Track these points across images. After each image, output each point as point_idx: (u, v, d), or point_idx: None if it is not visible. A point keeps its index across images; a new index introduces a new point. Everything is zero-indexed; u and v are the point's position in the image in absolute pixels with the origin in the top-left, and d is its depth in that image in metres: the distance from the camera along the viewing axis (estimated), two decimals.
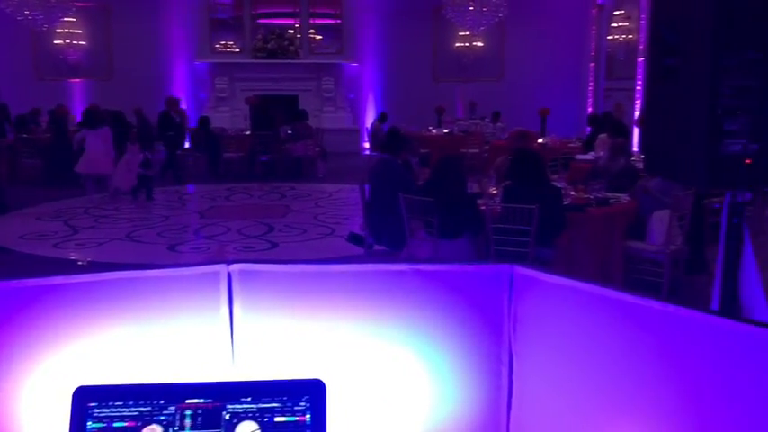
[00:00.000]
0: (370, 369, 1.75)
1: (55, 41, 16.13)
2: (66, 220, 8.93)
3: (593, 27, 16.68)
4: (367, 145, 15.41)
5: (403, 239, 5.30)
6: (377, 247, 5.88)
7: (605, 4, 16.19)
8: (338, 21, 17.14)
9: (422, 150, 10.63)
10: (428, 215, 4.95)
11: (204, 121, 13.01)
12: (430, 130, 14.12)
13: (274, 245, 7.58)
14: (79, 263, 7.10)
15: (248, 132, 13.22)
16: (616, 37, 15.37)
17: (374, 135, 14.15)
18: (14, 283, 1.58)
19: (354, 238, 6.33)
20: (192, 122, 14.43)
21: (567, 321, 1.68)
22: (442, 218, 4.88)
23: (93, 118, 10.56)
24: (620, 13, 15.31)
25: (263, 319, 1.73)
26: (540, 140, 11.27)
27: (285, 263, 1.77)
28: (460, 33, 16.45)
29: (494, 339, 1.79)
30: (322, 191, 11.20)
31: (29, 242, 7.79)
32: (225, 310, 1.71)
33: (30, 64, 16.40)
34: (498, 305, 1.78)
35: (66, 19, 14.46)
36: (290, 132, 12.99)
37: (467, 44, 16.97)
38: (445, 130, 14.15)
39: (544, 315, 1.73)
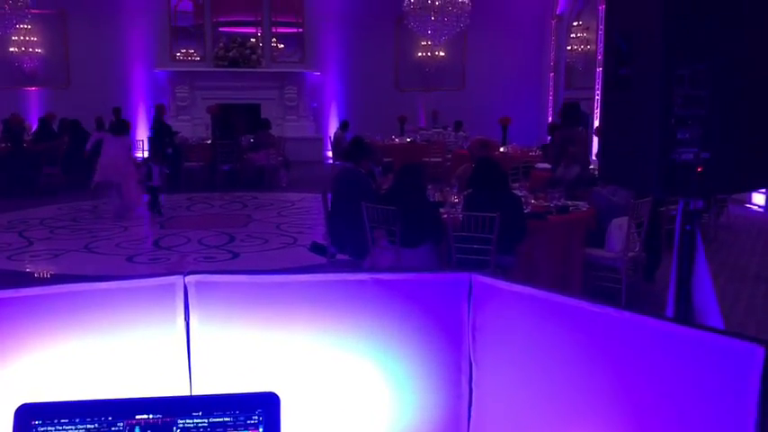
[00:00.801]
0: (329, 380, 1.73)
1: (10, 49, 15.78)
2: (21, 231, 8.71)
3: (553, 38, 16.97)
4: (330, 154, 15.39)
5: (366, 248, 5.29)
6: (339, 257, 5.86)
7: (564, 14, 16.48)
8: (300, 29, 17.13)
9: (385, 159, 10.66)
10: (390, 224, 4.96)
11: None
12: (393, 139, 14.18)
13: (236, 255, 7.50)
14: (35, 275, 6.93)
15: (209, 141, 13.08)
16: (575, 47, 15.66)
17: (337, 144, 14.14)
18: None
19: (317, 248, 6.30)
20: (150, 131, 14.23)
21: (526, 329, 1.69)
22: (404, 226, 4.89)
23: (117, 125, 10.01)
24: (579, 24, 15.61)
25: (220, 330, 1.71)
26: (501, 149, 11.39)
27: (243, 273, 1.74)
28: (423, 43, 16.58)
29: (453, 348, 1.79)
30: (285, 200, 11.13)
31: None
32: (181, 321, 1.68)
33: None
34: (457, 313, 1.78)
35: (21, 26, 14.17)
36: (252, 141, 12.90)
37: (429, 54, 17.11)
38: (408, 139, 14.23)
39: (503, 323, 1.73)
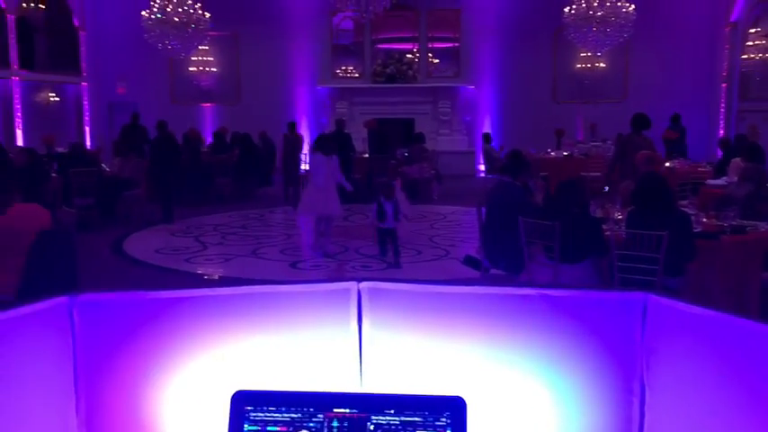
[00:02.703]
0: (493, 392, 1.74)
1: (190, 68, 17.26)
2: (196, 236, 9.47)
3: (726, 45, 15.84)
4: (482, 167, 15.37)
5: (521, 263, 5.22)
6: (493, 271, 5.82)
7: (739, 21, 15.34)
8: (456, 44, 17.27)
9: (541, 173, 10.46)
10: (548, 239, 4.86)
11: None
12: (549, 153, 13.88)
13: (390, 265, 7.67)
14: (205, 277, 7.50)
15: (366, 155, 13.51)
16: (752, 56, 14.51)
17: (486, 156, 14.15)
18: (166, 293, 1.71)
19: (470, 261, 6.29)
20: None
21: (706, 353, 1.60)
22: (563, 241, 4.78)
23: (322, 142, 8.17)
24: (757, 31, 14.46)
25: (389, 335, 1.77)
26: (667, 164, 10.79)
27: (413, 282, 1.80)
28: (582, 54, 16.12)
29: (624, 369, 1.74)
30: (437, 213, 11.24)
31: (164, 256, 8.32)
32: (354, 325, 1.76)
33: (167, 89, 17.64)
34: (630, 334, 1.73)
35: (200, 47, 15.44)
36: (406, 155, 13.16)
37: (588, 65, 16.61)
38: (565, 153, 13.86)
39: (680, 346, 1.66)
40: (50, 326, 1.65)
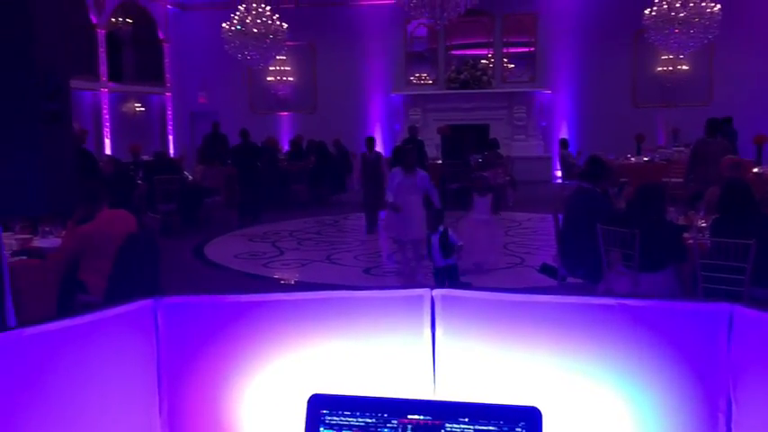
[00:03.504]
0: (570, 404, 1.70)
1: (267, 78, 17.70)
2: (273, 241, 9.69)
3: None
4: (559, 173, 15.09)
5: (600, 272, 5.09)
6: (571, 280, 5.69)
7: None
8: (531, 49, 17.05)
9: (621, 179, 10.16)
10: (627, 247, 4.72)
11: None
12: (629, 158, 13.51)
13: (463, 273, 7.60)
14: (281, 282, 7.65)
15: (440, 161, 13.49)
16: None
17: (563, 162, 13.88)
18: (246, 297, 1.76)
19: (547, 269, 6.18)
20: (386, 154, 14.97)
21: None
22: (642, 249, 4.63)
23: (401, 155, 7.30)
24: None
25: (463, 343, 1.76)
26: (755, 170, 10.31)
27: (487, 290, 1.79)
28: (663, 57, 15.61)
29: (708, 383, 1.67)
30: (511, 219, 11.10)
31: (242, 261, 8.54)
32: (428, 332, 1.76)
33: (245, 99, 18.15)
34: (715, 347, 1.66)
35: (278, 57, 15.82)
36: (480, 161, 13.07)
37: (670, 68, 16.07)
38: (645, 158, 13.45)
39: None
40: (136, 327, 1.72)
